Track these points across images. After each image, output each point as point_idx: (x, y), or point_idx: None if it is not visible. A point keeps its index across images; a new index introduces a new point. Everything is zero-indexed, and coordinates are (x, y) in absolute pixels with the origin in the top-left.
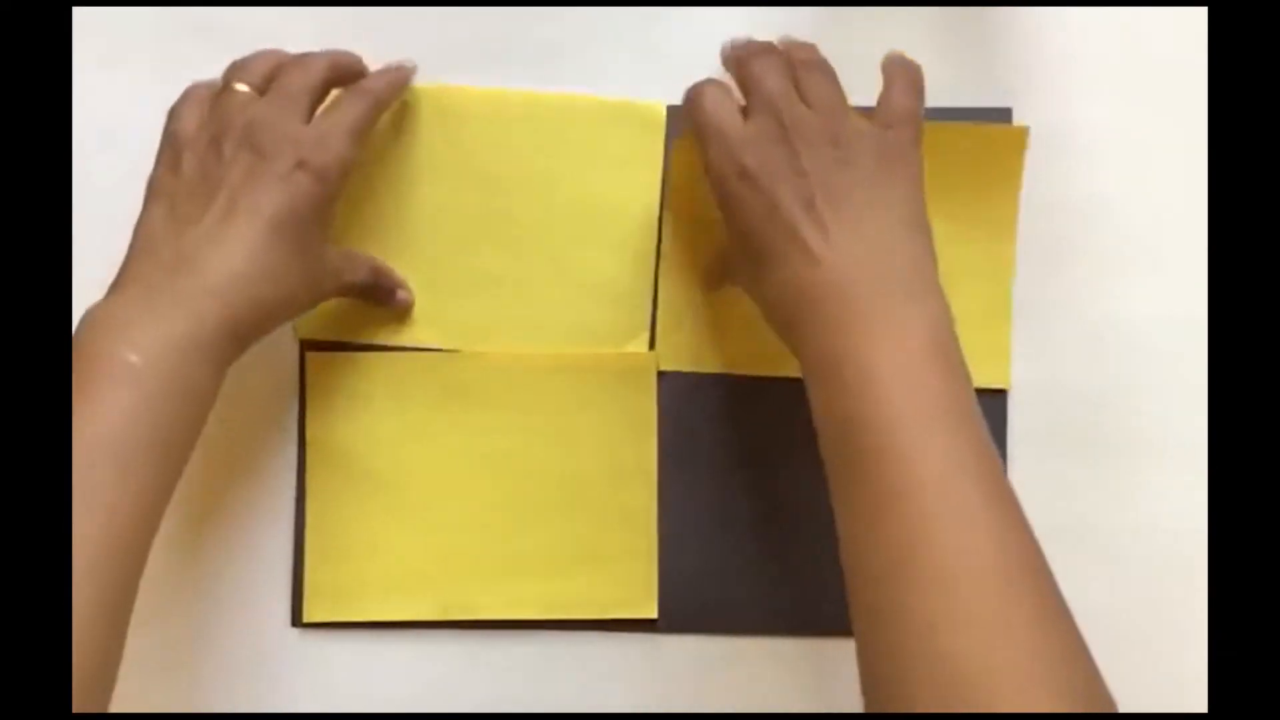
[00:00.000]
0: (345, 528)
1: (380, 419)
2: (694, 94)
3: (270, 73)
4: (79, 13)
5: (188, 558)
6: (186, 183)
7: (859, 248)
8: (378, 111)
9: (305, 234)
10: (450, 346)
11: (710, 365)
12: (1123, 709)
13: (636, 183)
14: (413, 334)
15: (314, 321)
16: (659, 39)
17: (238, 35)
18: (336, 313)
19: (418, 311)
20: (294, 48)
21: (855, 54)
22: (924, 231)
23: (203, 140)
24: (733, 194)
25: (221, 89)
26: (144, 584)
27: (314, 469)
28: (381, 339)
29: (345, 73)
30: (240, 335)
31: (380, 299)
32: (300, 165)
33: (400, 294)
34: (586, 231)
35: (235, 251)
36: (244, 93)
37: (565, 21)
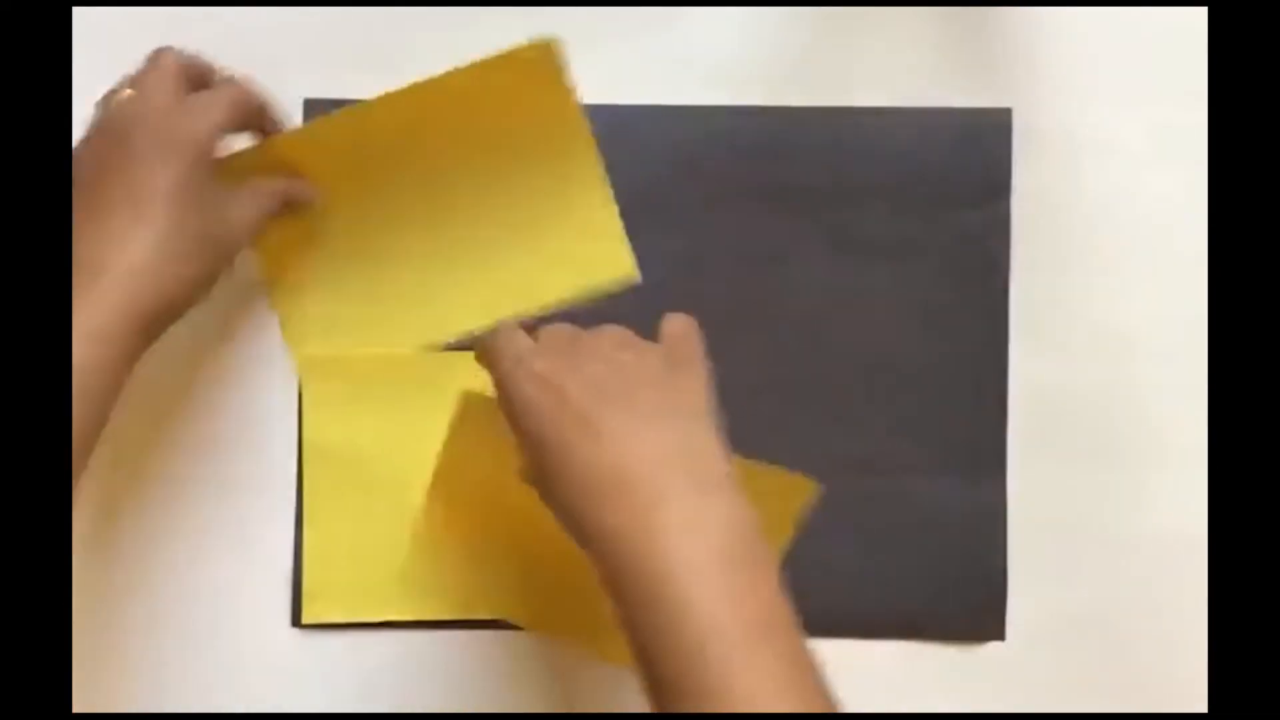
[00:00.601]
0: (345, 528)
1: (378, 419)
2: (484, 337)
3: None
4: (79, 13)
5: (188, 558)
6: (83, 184)
7: (649, 435)
8: (245, 93)
9: (195, 201)
10: (445, 339)
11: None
12: (1123, 709)
13: (556, 116)
14: (398, 340)
15: (307, 339)
16: (659, 40)
17: (237, 35)
18: (329, 328)
19: (402, 319)
20: (292, 47)
21: (855, 54)
22: (714, 427)
23: (88, 144)
24: (523, 398)
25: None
26: (143, 583)
27: (313, 469)
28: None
29: (196, 64)
30: (147, 325)
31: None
32: (170, 137)
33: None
34: (533, 182)
35: (132, 240)
36: (119, 92)
37: (565, 22)
